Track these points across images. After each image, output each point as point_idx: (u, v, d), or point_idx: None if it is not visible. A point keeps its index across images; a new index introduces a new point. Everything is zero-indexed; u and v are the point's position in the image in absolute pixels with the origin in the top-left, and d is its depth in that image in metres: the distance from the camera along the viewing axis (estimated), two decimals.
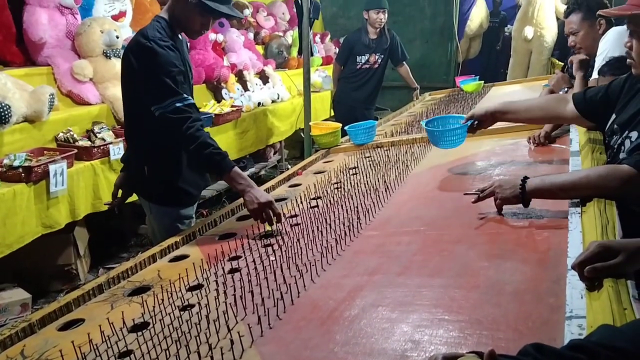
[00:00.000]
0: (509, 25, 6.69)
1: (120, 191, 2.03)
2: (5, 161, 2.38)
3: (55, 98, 2.72)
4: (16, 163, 2.36)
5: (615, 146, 1.40)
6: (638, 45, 1.29)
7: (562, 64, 2.95)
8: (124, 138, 1.97)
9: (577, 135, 1.86)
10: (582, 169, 1.48)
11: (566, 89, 2.41)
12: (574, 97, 1.60)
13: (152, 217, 1.96)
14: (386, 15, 4.07)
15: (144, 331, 1.08)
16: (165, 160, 1.88)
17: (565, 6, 2.64)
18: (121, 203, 2.07)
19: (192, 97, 1.82)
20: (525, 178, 1.32)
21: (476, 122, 1.74)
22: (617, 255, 0.89)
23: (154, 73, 1.70)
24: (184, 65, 1.82)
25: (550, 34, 5.60)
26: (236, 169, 1.71)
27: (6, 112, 2.43)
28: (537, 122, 1.76)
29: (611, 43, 2.08)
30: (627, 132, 1.35)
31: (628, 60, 1.34)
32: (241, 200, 1.90)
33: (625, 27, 1.36)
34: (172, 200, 1.92)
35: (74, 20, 3.16)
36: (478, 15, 6.41)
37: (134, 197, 2.07)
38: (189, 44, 1.93)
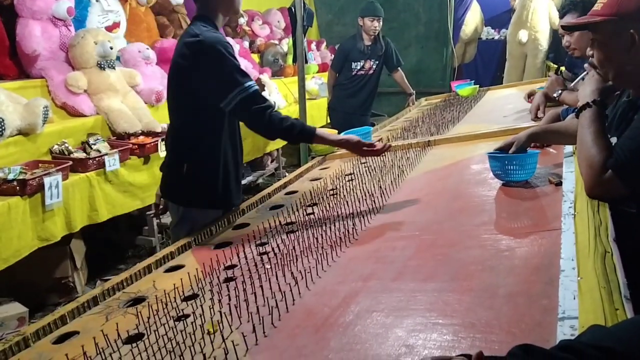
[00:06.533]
0: (504, 30, 6.70)
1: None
2: (0, 175, 2.38)
3: (50, 110, 2.72)
4: (11, 176, 2.35)
5: None
6: (599, 54, 1.30)
7: (557, 66, 2.97)
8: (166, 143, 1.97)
9: None
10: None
11: (560, 92, 2.42)
12: None
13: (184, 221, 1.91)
14: (381, 23, 4.09)
15: (138, 342, 1.08)
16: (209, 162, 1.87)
17: (559, 10, 2.66)
18: (165, 211, 2.05)
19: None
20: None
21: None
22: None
23: (215, 69, 1.71)
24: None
25: (544, 37, 5.63)
26: (318, 131, 1.82)
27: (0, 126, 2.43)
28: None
29: None
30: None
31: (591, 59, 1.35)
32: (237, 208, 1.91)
33: None
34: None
35: (68, 32, 3.17)
36: (473, 20, 6.45)
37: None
38: None
